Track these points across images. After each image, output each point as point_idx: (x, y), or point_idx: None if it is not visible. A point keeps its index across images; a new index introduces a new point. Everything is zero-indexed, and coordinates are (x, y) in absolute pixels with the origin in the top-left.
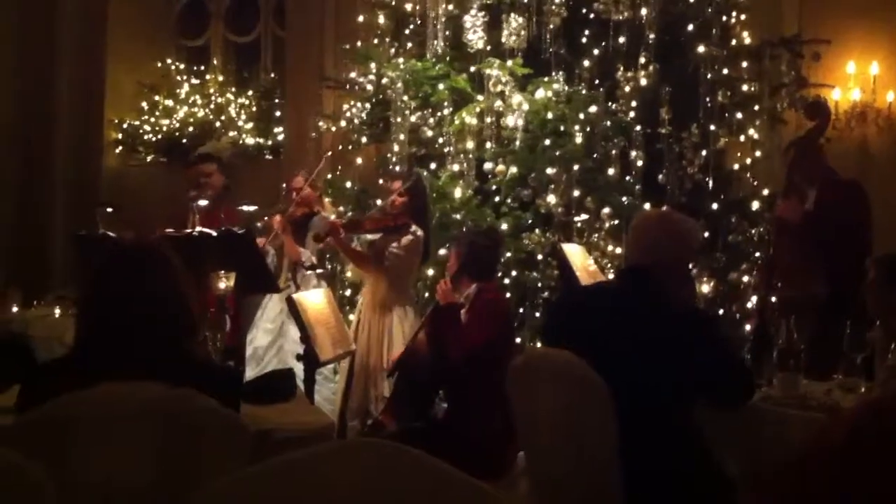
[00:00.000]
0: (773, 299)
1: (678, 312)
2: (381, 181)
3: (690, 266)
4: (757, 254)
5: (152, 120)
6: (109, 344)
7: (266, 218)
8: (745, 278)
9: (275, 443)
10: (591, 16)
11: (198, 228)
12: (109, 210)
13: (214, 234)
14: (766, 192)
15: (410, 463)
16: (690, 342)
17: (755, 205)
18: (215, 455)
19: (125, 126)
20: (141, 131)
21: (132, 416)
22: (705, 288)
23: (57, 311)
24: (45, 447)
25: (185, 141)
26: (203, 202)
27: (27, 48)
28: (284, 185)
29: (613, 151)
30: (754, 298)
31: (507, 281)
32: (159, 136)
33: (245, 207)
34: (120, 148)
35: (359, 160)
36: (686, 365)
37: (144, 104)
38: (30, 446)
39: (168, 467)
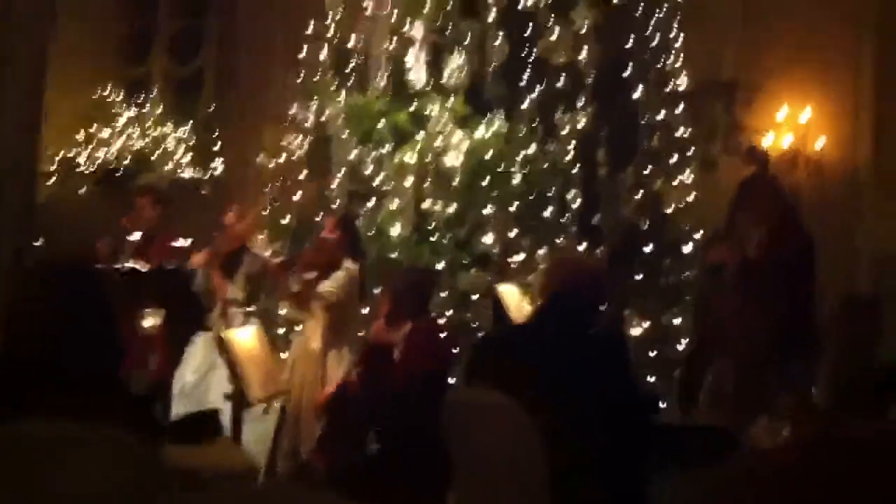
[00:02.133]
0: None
1: (592, 341)
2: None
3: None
4: (688, 297)
5: (87, 152)
6: (24, 376)
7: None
8: (677, 321)
9: (197, 484)
10: (532, 58)
11: (128, 264)
12: (38, 244)
13: (144, 270)
14: (698, 235)
15: None
16: (602, 369)
17: (688, 248)
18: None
19: (58, 157)
20: (75, 163)
21: (52, 455)
22: (637, 330)
23: None
24: None
25: (118, 174)
26: (135, 236)
27: None
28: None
29: (550, 192)
30: (684, 341)
31: (441, 321)
32: (94, 168)
33: (178, 243)
34: (53, 180)
35: (297, 195)
36: (601, 392)
37: (80, 135)
38: None
39: None
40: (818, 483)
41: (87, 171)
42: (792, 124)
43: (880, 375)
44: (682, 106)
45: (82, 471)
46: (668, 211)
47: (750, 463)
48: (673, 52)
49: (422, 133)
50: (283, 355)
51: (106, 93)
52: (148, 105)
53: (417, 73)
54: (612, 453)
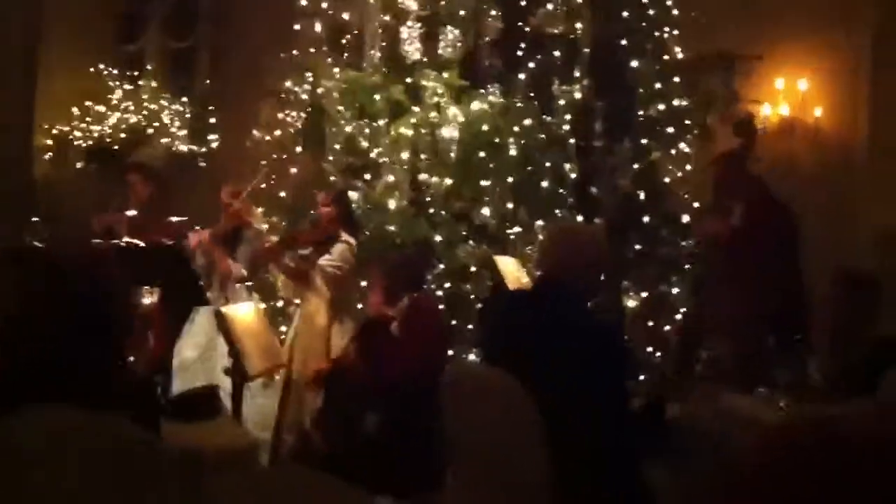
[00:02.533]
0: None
1: (586, 323)
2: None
3: (602, 277)
4: (687, 266)
5: (83, 126)
6: (27, 364)
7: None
8: (675, 290)
9: (200, 462)
10: (527, 29)
11: (125, 239)
12: (35, 219)
13: (143, 245)
14: (696, 205)
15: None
16: (595, 352)
17: (686, 218)
18: (141, 482)
19: (55, 132)
20: (71, 138)
21: (57, 444)
22: (634, 302)
23: None
24: None
25: (116, 147)
26: (131, 212)
27: None
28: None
29: (547, 164)
30: (683, 311)
31: (440, 293)
32: (90, 143)
33: (175, 218)
34: (49, 154)
35: (293, 170)
36: (593, 375)
37: (75, 110)
38: None
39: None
40: (812, 482)
41: (83, 146)
42: (789, 95)
43: (874, 348)
44: (677, 78)
45: (84, 461)
46: (666, 181)
47: (746, 461)
48: (669, 23)
49: (417, 107)
50: (283, 329)
51: (101, 68)
52: (142, 80)
53: (412, 47)
54: (607, 434)
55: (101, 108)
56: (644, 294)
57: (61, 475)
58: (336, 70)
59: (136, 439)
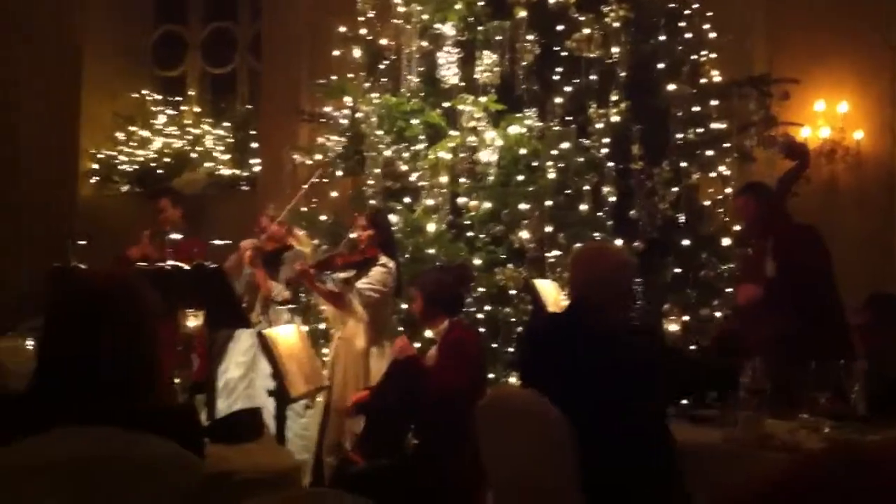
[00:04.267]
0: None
1: (622, 340)
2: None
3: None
4: (728, 290)
5: (127, 150)
6: (64, 383)
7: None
8: (717, 314)
9: (240, 485)
10: (564, 53)
11: (170, 262)
12: (82, 242)
13: (187, 268)
14: (736, 227)
15: None
16: (629, 374)
17: (726, 241)
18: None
19: (100, 156)
20: (116, 161)
21: (84, 462)
22: (676, 325)
23: (29, 344)
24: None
25: (160, 171)
26: (176, 236)
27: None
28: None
29: (585, 187)
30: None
31: (479, 316)
32: (135, 167)
33: (217, 242)
34: (95, 178)
35: (333, 193)
36: (627, 398)
37: (120, 134)
38: None
39: None
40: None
41: (127, 170)
42: (829, 118)
43: None
44: (714, 101)
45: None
46: (706, 203)
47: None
48: (706, 46)
49: (454, 131)
50: (325, 350)
51: (144, 93)
52: (184, 106)
53: (449, 71)
54: (640, 457)
55: (146, 133)
56: (685, 318)
57: (97, 494)
58: (374, 95)
59: (176, 460)
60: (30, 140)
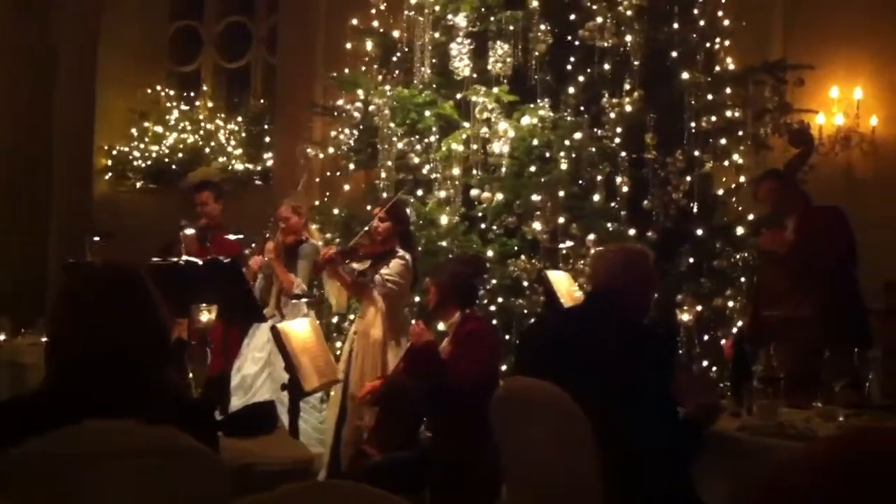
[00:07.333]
0: (756, 326)
1: (644, 333)
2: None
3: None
4: (742, 279)
5: (142, 146)
6: (80, 376)
7: (254, 246)
8: (731, 304)
9: (254, 477)
10: (577, 43)
11: (184, 258)
12: (97, 238)
13: (200, 263)
14: (751, 216)
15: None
16: (656, 361)
17: (740, 230)
18: (194, 495)
19: (115, 152)
20: (130, 157)
21: (114, 455)
22: (690, 315)
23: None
24: (23, 486)
25: (174, 167)
26: (190, 231)
27: (20, 75)
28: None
29: (599, 177)
30: (739, 324)
31: (492, 308)
32: (149, 163)
33: (231, 236)
34: (109, 174)
35: (346, 186)
36: (654, 385)
37: (134, 130)
38: (6, 484)
39: None
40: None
41: (142, 166)
42: (844, 104)
43: None
44: (729, 89)
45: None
46: (720, 192)
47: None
48: (720, 33)
49: (467, 122)
50: (338, 344)
51: (158, 89)
52: (198, 101)
53: (461, 63)
54: (659, 447)
55: (159, 129)
56: (699, 307)
57: (116, 486)
58: (387, 87)
59: (191, 452)
60: (52, 139)
